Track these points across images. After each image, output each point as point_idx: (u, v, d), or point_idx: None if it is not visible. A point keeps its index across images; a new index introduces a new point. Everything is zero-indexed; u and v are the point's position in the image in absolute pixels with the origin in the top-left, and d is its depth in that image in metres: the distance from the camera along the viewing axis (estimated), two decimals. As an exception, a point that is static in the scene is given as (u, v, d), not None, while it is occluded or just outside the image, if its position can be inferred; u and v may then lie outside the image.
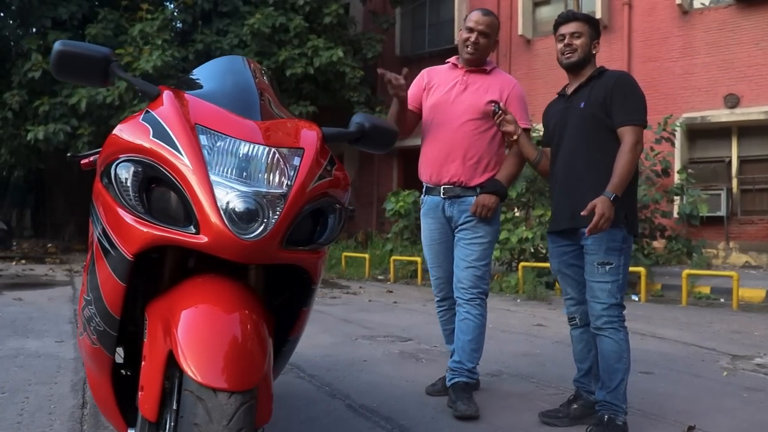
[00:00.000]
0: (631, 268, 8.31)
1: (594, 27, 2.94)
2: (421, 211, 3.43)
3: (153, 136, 1.54)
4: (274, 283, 1.82)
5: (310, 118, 13.28)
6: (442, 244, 3.34)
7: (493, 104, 3.18)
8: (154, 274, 1.69)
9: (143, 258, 1.57)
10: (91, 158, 2.14)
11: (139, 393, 1.47)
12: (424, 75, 3.46)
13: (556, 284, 8.79)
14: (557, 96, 3.11)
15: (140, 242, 1.51)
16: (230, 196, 1.47)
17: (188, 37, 13.03)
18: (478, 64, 3.34)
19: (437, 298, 3.45)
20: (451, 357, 3.29)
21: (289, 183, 1.53)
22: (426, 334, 5.27)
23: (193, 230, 1.48)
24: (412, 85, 3.41)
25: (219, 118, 1.59)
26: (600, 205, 2.56)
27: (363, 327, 5.66)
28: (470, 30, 3.28)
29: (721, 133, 12.23)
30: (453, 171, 3.24)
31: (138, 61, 11.37)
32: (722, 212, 11.80)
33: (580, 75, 2.94)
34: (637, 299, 8.29)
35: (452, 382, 3.15)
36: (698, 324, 6.34)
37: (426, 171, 3.35)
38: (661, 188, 10.21)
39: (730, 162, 12.27)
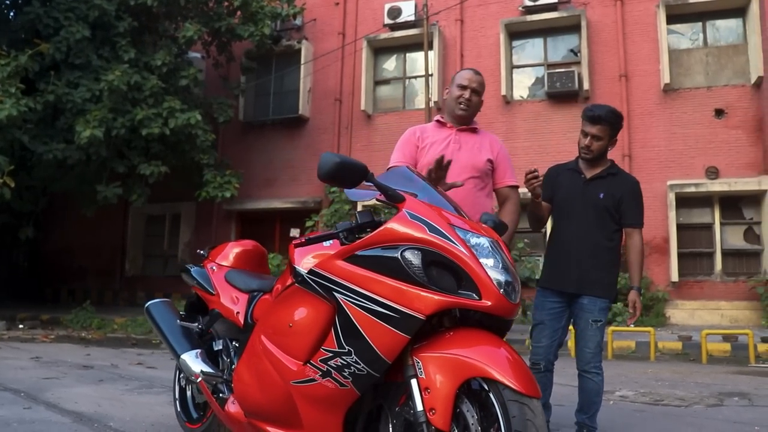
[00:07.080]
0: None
1: (615, 127, 3.42)
2: None
3: (430, 231, 2.04)
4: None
5: (162, 178, 13.14)
6: None
7: (532, 169, 3.12)
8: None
9: None
10: (303, 239, 2.39)
11: (428, 413, 1.92)
12: (416, 132, 3.36)
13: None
14: (568, 168, 3.57)
15: (434, 306, 1.98)
16: (493, 271, 2.03)
17: (35, 86, 12.21)
18: (468, 122, 3.33)
19: None
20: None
21: (508, 261, 2.11)
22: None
23: (476, 297, 2.00)
24: (403, 144, 3.34)
25: (454, 218, 2.15)
26: (638, 300, 3.37)
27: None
28: (463, 87, 3.27)
29: (539, 207, 14.05)
30: None
31: (-14, 109, 10.51)
32: (544, 275, 13.46)
33: (594, 165, 3.49)
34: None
35: None
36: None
37: None
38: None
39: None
